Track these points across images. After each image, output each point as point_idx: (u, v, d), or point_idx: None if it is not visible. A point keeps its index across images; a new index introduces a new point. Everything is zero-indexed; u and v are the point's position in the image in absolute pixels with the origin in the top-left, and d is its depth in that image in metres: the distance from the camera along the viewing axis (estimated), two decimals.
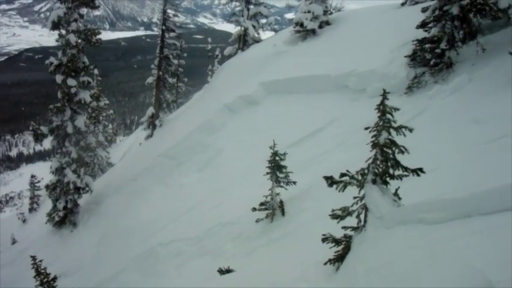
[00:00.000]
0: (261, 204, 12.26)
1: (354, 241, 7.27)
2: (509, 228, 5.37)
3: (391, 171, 6.75)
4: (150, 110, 27.88)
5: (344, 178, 6.89)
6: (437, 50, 12.75)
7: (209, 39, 56.84)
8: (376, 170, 6.75)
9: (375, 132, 6.66)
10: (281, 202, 12.29)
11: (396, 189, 7.07)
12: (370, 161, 6.80)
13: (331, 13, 24.59)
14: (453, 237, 5.74)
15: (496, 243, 5.31)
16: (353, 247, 7.24)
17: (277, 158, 11.64)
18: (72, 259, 19.42)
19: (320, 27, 22.28)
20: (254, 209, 12.26)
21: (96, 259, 17.86)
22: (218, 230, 13.36)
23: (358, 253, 7.01)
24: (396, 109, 6.55)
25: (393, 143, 6.52)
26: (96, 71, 43.51)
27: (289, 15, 28.35)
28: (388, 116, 6.50)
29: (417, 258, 5.77)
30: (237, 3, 28.30)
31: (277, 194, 12.20)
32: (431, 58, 12.94)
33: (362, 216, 7.16)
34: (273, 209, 12.26)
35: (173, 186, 18.55)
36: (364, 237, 7.01)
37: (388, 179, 6.88)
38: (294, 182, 11.91)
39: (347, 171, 6.93)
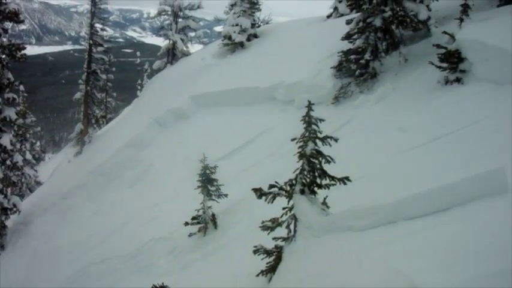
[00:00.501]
0: (193, 218, 12.15)
1: (285, 251, 7.31)
2: (430, 231, 5.56)
3: (318, 180, 6.86)
4: (79, 126, 27.13)
5: (273, 189, 6.93)
6: (362, 61, 13.10)
7: (138, 53, 55.84)
8: (304, 180, 6.84)
9: (301, 143, 6.74)
10: (213, 215, 12.23)
11: (324, 198, 7.18)
12: (298, 171, 6.87)
13: (259, 26, 24.82)
14: (379, 243, 5.87)
15: (418, 246, 5.47)
16: (284, 257, 7.27)
17: (207, 171, 11.60)
18: (0, 283, 18.57)
19: (248, 40, 22.44)
20: (186, 223, 12.13)
21: (26, 282, 17.13)
22: (151, 246, 13.12)
23: (290, 263, 7.05)
24: (321, 120, 6.65)
25: (319, 153, 6.62)
26: (22, 87, 41.89)
27: (219, 28, 28.39)
28: (314, 126, 6.58)
29: (346, 266, 5.86)
30: (166, 17, 28.10)
31: (209, 207, 12.13)
32: (357, 69, 13.29)
33: (292, 227, 7.21)
34: (205, 222, 12.17)
35: (105, 203, 18.10)
36: (295, 247, 7.05)
37: (316, 188, 6.99)
38: (226, 195, 11.89)
39: (275, 182, 6.98)
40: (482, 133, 7.78)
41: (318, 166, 6.73)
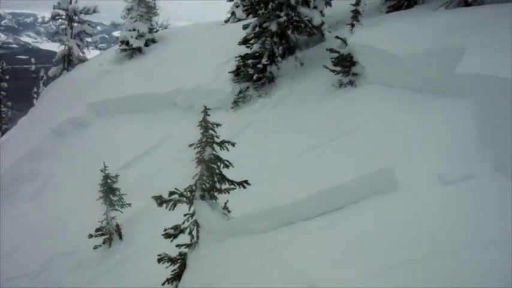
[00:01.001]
0: (97, 229, 11.79)
1: (189, 258, 7.29)
2: (326, 230, 5.77)
3: (218, 185, 6.90)
4: None
5: (173, 196, 6.90)
6: (259, 65, 13.31)
7: (33, 60, 53.58)
8: (204, 186, 6.86)
9: (199, 149, 6.76)
10: (117, 226, 11.95)
11: (225, 203, 7.23)
12: (197, 177, 6.89)
13: (157, 31, 24.53)
14: (279, 244, 6.00)
15: (316, 245, 5.65)
16: (189, 264, 7.25)
17: (109, 180, 11.33)
18: None
19: (146, 45, 22.16)
20: (91, 236, 11.74)
21: None
22: (56, 262, 12.58)
23: (194, 269, 7.05)
24: (218, 124, 6.71)
25: (217, 158, 6.68)
26: None
27: (117, 33, 27.73)
28: (211, 131, 6.62)
29: (248, 268, 5.94)
30: (61, 21, 27.05)
31: (113, 217, 11.84)
32: (254, 73, 13.47)
33: (194, 233, 7.21)
34: (110, 233, 11.86)
35: (4, 219, 17.14)
36: (199, 253, 7.07)
37: (216, 193, 7.03)
38: (129, 204, 11.66)
39: (176, 189, 6.95)
40: (374, 133, 8.15)
41: (217, 171, 6.78)
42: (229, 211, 7.13)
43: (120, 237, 11.88)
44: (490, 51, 6.84)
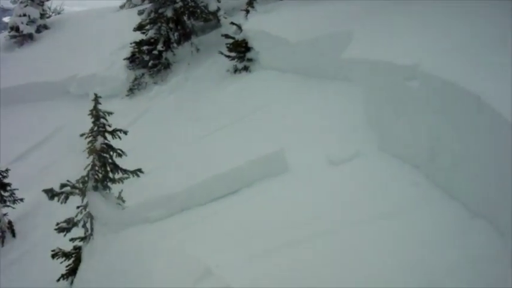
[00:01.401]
0: None
1: (84, 251, 7.09)
2: (221, 214, 5.85)
3: (111, 175, 6.77)
4: None
5: (65, 189, 6.67)
6: (155, 52, 13.08)
7: None
8: (96, 176, 6.69)
9: (91, 138, 6.59)
10: (10, 223, 11.35)
11: (120, 193, 7.12)
12: (89, 167, 6.71)
13: (50, 16, 23.45)
14: (174, 231, 6.03)
15: (211, 229, 5.71)
16: (84, 258, 7.05)
17: None
18: None
19: (38, 31, 21.09)
20: None
21: None
22: None
23: (90, 263, 6.87)
24: (110, 113, 6.57)
25: (110, 147, 6.54)
26: None
27: (7, 19, 26.23)
28: (103, 120, 6.48)
29: (144, 257, 5.90)
30: None
31: (5, 214, 11.27)
32: (150, 60, 13.19)
33: (89, 225, 7.01)
34: (1, 231, 11.31)
35: None
36: (94, 245, 6.90)
37: (110, 183, 6.89)
38: (21, 199, 11.14)
39: (68, 181, 6.73)
40: (267, 117, 8.29)
41: (110, 160, 6.64)
42: (123, 201, 7.03)
43: (13, 234, 11.33)
44: (376, 37, 7.12)
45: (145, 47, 13.27)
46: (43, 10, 22.00)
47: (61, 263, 7.36)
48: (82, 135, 6.63)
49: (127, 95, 13.40)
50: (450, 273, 3.97)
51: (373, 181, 5.47)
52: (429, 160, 5.14)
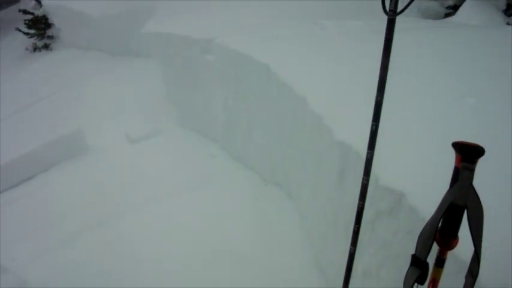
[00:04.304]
0: None
1: None
2: (22, 201, 5.41)
3: None
4: None
5: None
6: None
7: None
8: None
9: None
10: None
11: None
12: None
13: None
14: None
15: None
16: None
17: None
18: None
19: None
20: None
21: None
22: None
23: None
24: None
25: None
26: None
27: None
28: None
29: None
30: None
31: None
32: None
33: None
34: None
35: None
36: None
37: None
38: None
39: None
40: (67, 98, 7.89)
41: None
42: None
43: None
44: (177, 14, 6.99)
45: None
46: None
47: None
48: None
49: None
50: (244, 235, 4.14)
51: (172, 156, 5.51)
52: (224, 133, 5.29)
